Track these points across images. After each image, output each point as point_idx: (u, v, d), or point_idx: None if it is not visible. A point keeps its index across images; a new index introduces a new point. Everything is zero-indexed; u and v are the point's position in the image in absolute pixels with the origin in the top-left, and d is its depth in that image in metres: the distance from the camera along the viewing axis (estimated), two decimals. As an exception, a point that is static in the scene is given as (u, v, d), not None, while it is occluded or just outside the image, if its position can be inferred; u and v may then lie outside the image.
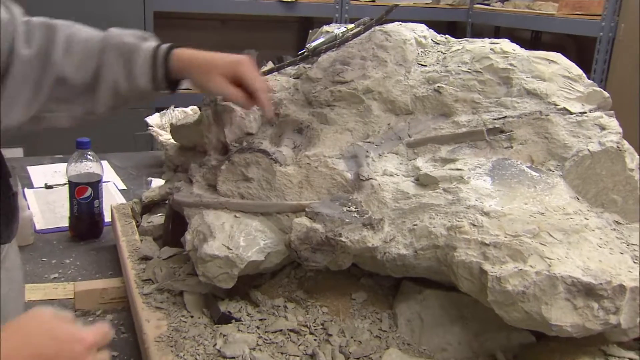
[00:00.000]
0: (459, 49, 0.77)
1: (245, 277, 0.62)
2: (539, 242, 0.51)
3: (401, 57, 0.76)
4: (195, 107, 1.71)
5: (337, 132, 0.71)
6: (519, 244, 0.51)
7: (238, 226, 0.63)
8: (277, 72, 0.83)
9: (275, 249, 0.61)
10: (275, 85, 0.78)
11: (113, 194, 1.28)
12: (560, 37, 2.80)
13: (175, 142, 0.82)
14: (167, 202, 0.93)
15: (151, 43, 0.64)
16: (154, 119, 1.57)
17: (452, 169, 0.61)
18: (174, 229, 0.78)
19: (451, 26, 3.08)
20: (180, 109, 1.62)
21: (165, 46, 0.64)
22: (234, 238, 0.61)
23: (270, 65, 0.90)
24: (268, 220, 0.65)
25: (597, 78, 2.17)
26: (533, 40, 2.97)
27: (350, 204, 0.60)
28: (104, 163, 1.32)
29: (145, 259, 0.77)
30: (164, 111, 1.60)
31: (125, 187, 1.35)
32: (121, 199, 1.22)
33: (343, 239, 0.55)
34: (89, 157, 0.97)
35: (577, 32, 2.33)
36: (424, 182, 0.62)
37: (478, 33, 3.00)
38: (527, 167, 0.62)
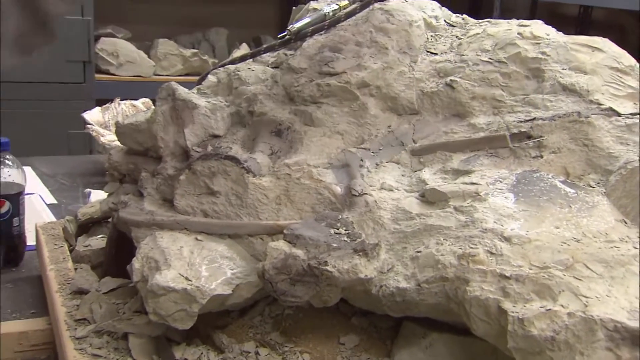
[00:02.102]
0: (478, 33, 0.79)
1: (208, 315, 0.64)
2: (572, 276, 0.53)
3: (406, 43, 0.78)
4: (147, 100, 1.72)
5: (325, 136, 0.73)
6: (547, 278, 0.53)
7: (200, 251, 0.64)
8: (251, 59, 0.85)
9: (245, 280, 0.63)
10: (248, 77, 0.80)
11: (39, 209, 1.29)
12: (618, 14, 2.82)
13: (121, 145, 0.83)
14: (109, 220, 0.94)
15: None
16: (93, 115, 1.59)
17: (466, 183, 0.63)
18: (118, 255, 0.79)
19: (476, 1, 3.13)
20: (127, 102, 1.64)
21: None
22: (195, 266, 0.62)
23: (244, 49, 0.92)
24: (237, 245, 0.66)
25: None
26: (581, 17, 2.99)
27: (339, 225, 0.62)
28: (27, 169, 1.33)
29: (80, 292, 0.78)
30: (107, 105, 1.61)
31: (55, 201, 1.35)
32: (50, 217, 1.23)
33: (329, 268, 0.57)
34: (7, 161, 0.98)
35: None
36: (431, 198, 0.64)
37: (509, 9, 3.04)
38: (560, 181, 0.64)
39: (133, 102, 1.62)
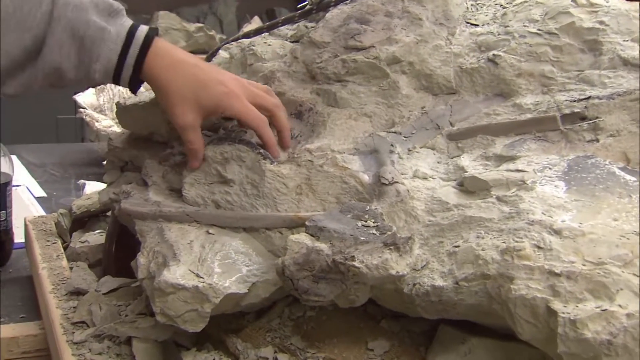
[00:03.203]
0: (525, 1, 0.80)
1: (221, 317, 0.66)
2: (632, 273, 0.54)
3: (442, 14, 0.79)
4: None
5: (351, 118, 0.75)
6: (603, 275, 0.53)
7: (212, 246, 0.66)
8: (267, 33, 0.87)
9: (262, 277, 0.65)
10: (265, 52, 0.82)
11: (26, 202, 1.32)
12: None
13: (122, 129, 0.85)
14: (108, 214, 0.97)
15: (121, 25, 0.70)
16: (86, 98, 1.62)
17: (511, 170, 0.64)
18: (120, 251, 0.81)
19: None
20: (126, 83, 1.66)
21: (141, 33, 0.70)
22: (206, 262, 0.64)
23: (256, 23, 0.93)
24: (253, 239, 0.68)
25: None
26: None
27: (367, 216, 0.64)
28: (12, 159, 1.36)
29: (77, 293, 0.80)
30: (103, 86, 1.64)
31: (44, 194, 1.39)
32: (39, 210, 1.26)
33: (357, 263, 0.58)
34: (-7, 149, 1.01)
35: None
36: (470, 187, 0.65)
37: None
38: (619, 168, 0.64)
39: (131, 82, 1.64)
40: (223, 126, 0.76)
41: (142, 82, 0.72)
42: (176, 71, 0.70)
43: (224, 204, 0.70)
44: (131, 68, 0.69)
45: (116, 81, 0.71)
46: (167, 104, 0.71)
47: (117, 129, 1.45)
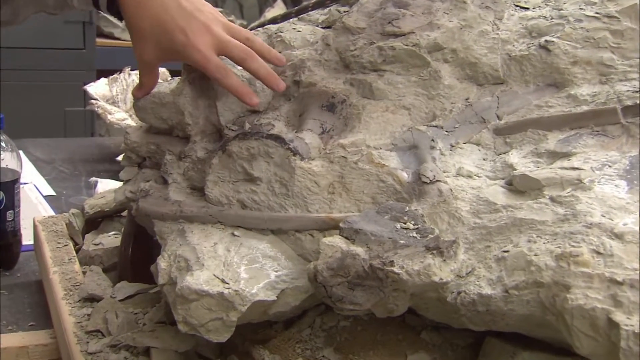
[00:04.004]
0: (581, -18, 0.80)
1: (247, 326, 0.66)
2: None
3: (489, -4, 0.79)
4: (162, 69, 1.76)
5: (388, 111, 0.75)
6: (669, 284, 0.53)
7: (237, 249, 0.67)
8: (296, 18, 0.87)
9: (292, 284, 0.65)
10: (294, 39, 0.82)
11: (34, 201, 1.34)
12: None
13: (139, 123, 0.86)
14: (124, 213, 0.98)
15: None
16: (98, 88, 1.64)
17: (566, 168, 0.64)
18: (137, 254, 0.82)
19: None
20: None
21: None
22: (232, 267, 0.64)
23: (279, 8, 0.94)
24: (282, 242, 0.69)
25: None
26: None
27: (406, 218, 0.64)
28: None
29: (91, 300, 0.81)
30: (115, 75, 1.66)
31: (53, 192, 1.40)
32: (47, 210, 1.28)
33: (396, 269, 0.58)
34: (0, 143, 1.02)
35: None
36: (520, 187, 0.65)
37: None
38: (685, 166, 0.64)
39: (146, 72, 1.66)
40: (248, 120, 0.77)
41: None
42: (144, 9, 0.76)
43: (250, 204, 0.71)
44: None
45: (96, 6, 0.80)
46: (131, 37, 0.79)
47: (131, 121, 1.46)
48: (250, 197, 0.71)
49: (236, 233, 0.69)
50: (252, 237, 0.69)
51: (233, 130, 0.75)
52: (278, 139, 0.72)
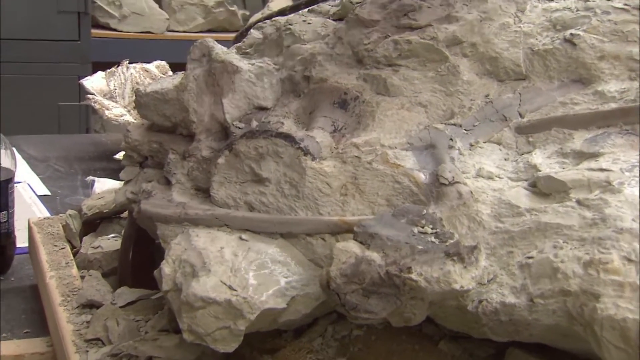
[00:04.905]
0: (608, -28, 0.79)
1: (255, 335, 0.66)
2: None
3: (511, -14, 0.79)
4: (162, 63, 1.77)
5: (404, 108, 0.75)
6: (703, 293, 0.53)
7: (245, 254, 0.66)
8: (307, 9, 0.87)
9: (303, 291, 0.65)
10: (304, 32, 0.82)
11: (28, 201, 1.34)
12: None
13: (141, 120, 0.86)
14: (124, 214, 0.98)
15: None
16: (95, 83, 1.64)
17: (593, 170, 0.64)
18: (138, 258, 0.82)
19: None
20: (138, 65, 1.69)
21: None
22: (240, 272, 0.64)
23: (283, 2, 0.93)
24: (292, 246, 0.68)
25: None
26: None
27: (424, 222, 0.64)
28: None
29: (90, 306, 0.81)
30: (113, 69, 1.66)
31: (48, 192, 1.41)
32: (42, 211, 1.28)
33: (414, 276, 0.58)
34: (-7, 140, 1.02)
35: None
36: (545, 189, 0.65)
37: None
38: None
39: (145, 65, 1.67)
40: (256, 117, 0.77)
41: None
42: None
43: (259, 206, 0.71)
44: None
45: None
46: None
47: (130, 117, 1.46)
48: (258, 199, 0.71)
49: (244, 237, 0.69)
50: (261, 241, 0.69)
51: (240, 128, 0.75)
52: (288, 137, 0.71)
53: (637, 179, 0.62)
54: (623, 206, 0.59)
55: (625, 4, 0.74)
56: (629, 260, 0.55)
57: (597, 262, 0.55)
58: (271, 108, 0.79)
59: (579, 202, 0.62)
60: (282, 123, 0.75)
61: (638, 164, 0.64)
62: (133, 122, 1.35)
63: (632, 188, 0.61)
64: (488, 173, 0.69)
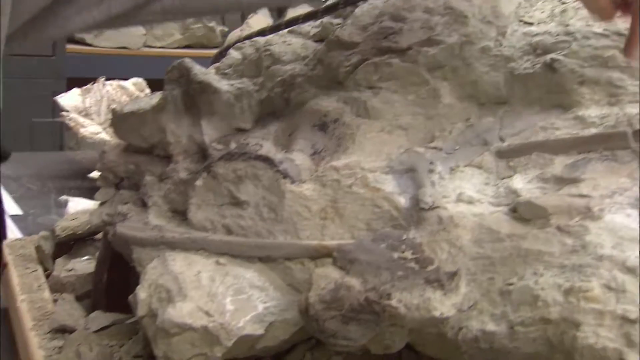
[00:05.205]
0: (588, -2, 0.80)
1: (232, 362, 0.66)
2: None
3: (491, 10, 0.79)
4: (139, 80, 1.76)
5: (384, 131, 0.75)
6: (683, 321, 0.54)
7: (223, 279, 0.66)
8: (286, 30, 0.87)
9: (281, 316, 0.65)
10: (284, 53, 0.82)
11: None
12: None
13: (117, 140, 0.86)
14: (99, 236, 0.97)
15: None
16: (70, 100, 1.63)
17: (574, 195, 0.64)
18: (113, 282, 0.82)
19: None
20: (114, 82, 1.68)
21: None
22: (217, 298, 0.64)
23: (263, 15, 0.93)
24: (270, 271, 0.68)
25: None
26: None
27: (404, 247, 0.64)
28: (-18, 170, 1.38)
29: (63, 331, 0.81)
30: (89, 86, 1.66)
31: (20, 212, 1.39)
32: (14, 232, 1.26)
33: (394, 302, 0.58)
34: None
35: None
36: (525, 214, 0.65)
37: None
38: (698, 194, 0.65)
39: (121, 82, 1.66)
40: (235, 139, 0.77)
41: None
42: None
43: (237, 230, 0.71)
44: None
45: None
46: None
47: (106, 135, 1.46)
48: (236, 222, 0.71)
49: (221, 261, 0.69)
50: (239, 265, 0.69)
51: (218, 150, 0.75)
52: (267, 160, 0.72)
53: (617, 205, 0.63)
54: (603, 233, 0.60)
55: (605, 29, 0.75)
56: (609, 288, 0.55)
57: (578, 290, 0.55)
58: (250, 130, 0.79)
59: (559, 228, 0.62)
60: (261, 145, 0.75)
61: (618, 190, 0.64)
62: (109, 141, 1.35)
63: (612, 215, 0.62)
64: (469, 197, 0.69)
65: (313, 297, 0.60)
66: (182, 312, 0.62)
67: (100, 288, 0.86)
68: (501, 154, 0.73)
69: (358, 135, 0.74)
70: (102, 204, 0.84)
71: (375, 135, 0.75)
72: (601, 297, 0.55)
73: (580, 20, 0.78)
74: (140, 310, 0.65)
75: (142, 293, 0.66)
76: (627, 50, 0.70)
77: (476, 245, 0.64)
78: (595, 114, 0.71)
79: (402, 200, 0.69)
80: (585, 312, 0.54)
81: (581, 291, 0.55)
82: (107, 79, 1.68)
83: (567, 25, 0.77)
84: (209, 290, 0.65)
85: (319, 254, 0.67)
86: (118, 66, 2.49)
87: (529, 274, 0.60)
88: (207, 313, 0.62)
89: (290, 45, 0.84)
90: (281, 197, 0.70)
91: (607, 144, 0.68)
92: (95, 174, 1.35)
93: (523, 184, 0.69)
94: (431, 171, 0.71)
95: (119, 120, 0.81)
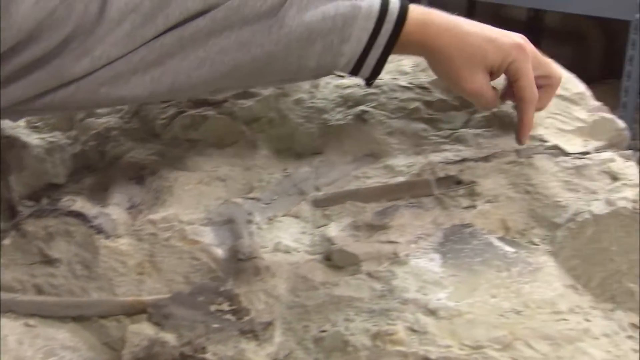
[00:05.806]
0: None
1: None
2: (511, 357, 0.57)
3: (305, 63, 0.84)
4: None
5: (202, 183, 0.76)
6: (481, 360, 0.58)
7: (32, 341, 0.64)
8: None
9: (96, 378, 0.64)
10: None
11: None
12: (576, 20, 2.98)
13: None
14: None
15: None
16: None
17: (383, 242, 0.68)
18: None
19: None
20: None
21: (395, 5, 0.72)
22: (25, 361, 0.63)
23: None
24: (85, 330, 0.67)
25: (632, 89, 2.38)
26: (531, 22, 3.11)
27: (221, 299, 0.65)
28: None
29: None
30: None
31: None
32: None
33: (209, 356, 0.59)
34: None
35: (603, 14, 2.48)
36: (338, 262, 0.68)
37: (442, 4, 3.19)
38: (497, 238, 0.69)
39: None
40: (47, 195, 0.76)
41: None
42: (451, 34, 0.73)
43: (48, 289, 0.69)
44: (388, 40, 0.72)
45: (360, 66, 0.73)
46: (462, 70, 0.73)
47: None
48: (48, 281, 0.69)
49: (31, 322, 0.67)
50: (50, 326, 0.67)
51: (28, 206, 0.74)
52: (79, 216, 0.71)
53: (422, 250, 0.67)
54: (409, 277, 0.64)
55: (410, 83, 0.81)
56: (413, 330, 0.59)
57: (384, 334, 0.59)
58: (63, 185, 0.78)
59: (369, 274, 0.66)
60: (75, 200, 0.74)
61: (423, 235, 0.69)
62: None
63: (416, 259, 0.66)
64: (285, 247, 0.71)
65: (127, 356, 0.60)
66: (-14, 379, 0.60)
67: None
68: (317, 203, 0.76)
69: (176, 188, 0.75)
70: None
71: (194, 187, 0.76)
72: (405, 339, 0.58)
73: (388, 73, 0.83)
74: (-60, 381, 0.63)
75: (-60, 360, 0.64)
76: (518, 138, 0.77)
77: (292, 294, 0.66)
78: (402, 162, 0.76)
79: (220, 252, 0.70)
80: (390, 355, 0.58)
81: (387, 335, 0.59)
82: None
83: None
84: (16, 355, 0.63)
85: (135, 310, 0.67)
86: None
87: (341, 320, 0.62)
88: (15, 378, 0.61)
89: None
90: (95, 253, 0.69)
91: (413, 191, 0.73)
92: None
93: (337, 232, 0.72)
94: (249, 222, 0.73)
95: None
